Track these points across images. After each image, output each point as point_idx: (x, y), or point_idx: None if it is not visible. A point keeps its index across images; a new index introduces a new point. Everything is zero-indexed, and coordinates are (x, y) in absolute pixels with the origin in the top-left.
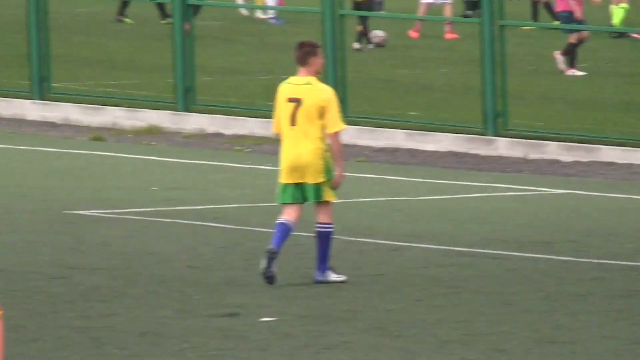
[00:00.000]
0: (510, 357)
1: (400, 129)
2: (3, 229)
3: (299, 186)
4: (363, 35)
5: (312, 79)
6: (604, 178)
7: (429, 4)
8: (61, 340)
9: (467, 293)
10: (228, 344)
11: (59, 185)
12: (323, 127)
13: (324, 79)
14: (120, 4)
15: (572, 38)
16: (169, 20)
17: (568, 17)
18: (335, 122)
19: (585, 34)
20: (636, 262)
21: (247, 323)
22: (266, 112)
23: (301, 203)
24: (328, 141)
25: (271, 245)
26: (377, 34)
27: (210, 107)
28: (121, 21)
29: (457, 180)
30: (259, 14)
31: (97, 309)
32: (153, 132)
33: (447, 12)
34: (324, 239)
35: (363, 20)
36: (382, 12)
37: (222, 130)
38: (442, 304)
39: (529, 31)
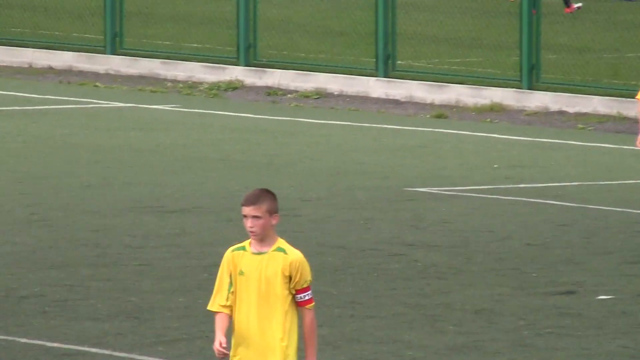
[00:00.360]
0: None
1: None
2: (343, 206)
3: None
4: None
5: None
6: None
7: None
8: (397, 317)
9: None
10: (563, 321)
11: (400, 162)
12: None
13: None
14: None
15: None
16: None
17: None
18: None
19: None
20: None
21: (584, 301)
22: (611, 91)
23: None
24: None
25: None
26: None
27: (554, 85)
28: None
29: None
30: None
31: (434, 287)
32: (496, 109)
33: None
34: None
35: None
36: None
37: (565, 108)
38: None
39: None
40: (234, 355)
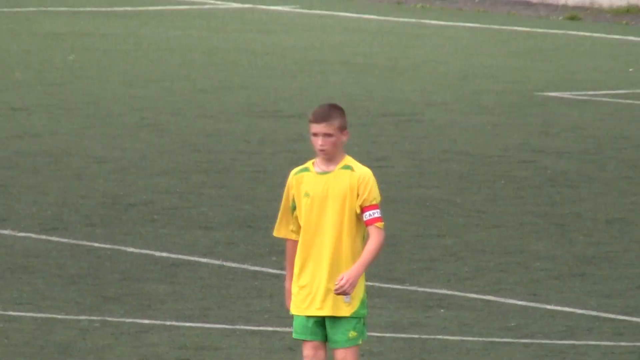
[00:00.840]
0: None
1: None
2: (470, 111)
3: None
4: None
5: None
6: None
7: None
8: (524, 227)
9: None
10: None
11: (530, 66)
12: None
13: None
14: None
15: None
16: None
17: None
18: None
19: None
20: None
21: None
22: None
23: None
24: None
25: None
26: None
27: None
28: None
29: None
30: None
31: (564, 195)
32: (632, 11)
33: None
34: None
35: None
36: None
37: None
38: None
39: None
40: (299, 281)
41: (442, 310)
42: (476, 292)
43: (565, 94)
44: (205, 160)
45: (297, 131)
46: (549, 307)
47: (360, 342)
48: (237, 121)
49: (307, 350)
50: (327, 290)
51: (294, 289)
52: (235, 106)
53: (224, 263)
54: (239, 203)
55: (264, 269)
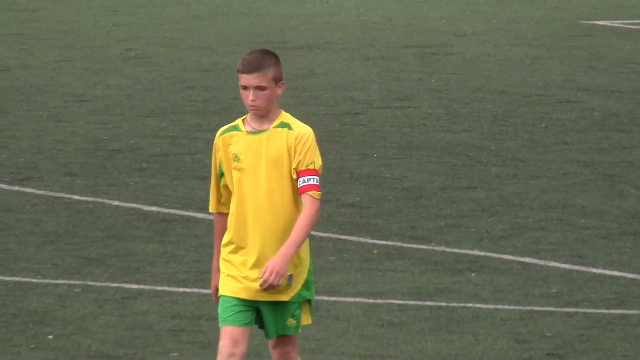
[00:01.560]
0: None
1: None
2: (505, 42)
3: None
4: None
5: None
6: None
7: None
8: (568, 178)
9: None
10: None
11: None
12: None
13: None
14: None
15: None
16: None
17: None
18: None
19: None
20: None
21: None
22: None
23: None
24: None
25: None
26: None
27: None
28: None
29: None
30: None
31: (613, 140)
32: None
33: None
34: None
35: None
36: None
37: None
38: None
39: None
40: (228, 260)
41: (473, 274)
42: (512, 254)
43: (616, 23)
44: (200, 99)
45: (307, 65)
46: (595, 270)
47: (299, 331)
48: (237, 53)
49: (226, 339)
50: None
51: (223, 267)
52: (234, 36)
53: None
54: None
55: None
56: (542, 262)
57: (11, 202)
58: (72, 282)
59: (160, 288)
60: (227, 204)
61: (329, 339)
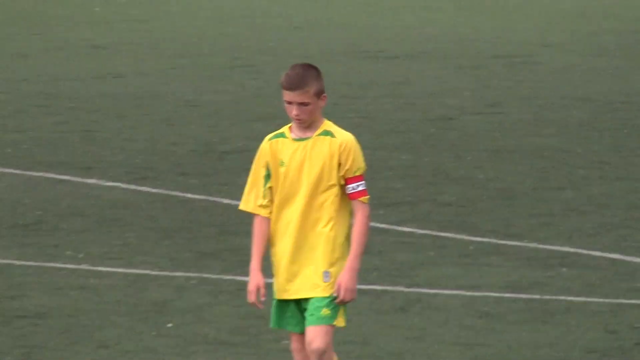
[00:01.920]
0: None
1: None
2: (589, 53)
3: None
4: None
5: None
6: None
7: None
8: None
9: None
10: None
11: None
12: None
13: None
14: None
15: None
16: None
17: None
18: None
19: None
20: None
21: None
22: None
23: None
24: None
25: None
26: None
27: None
28: None
29: None
30: None
31: None
32: None
33: None
34: None
35: None
36: None
37: None
38: None
39: None
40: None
41: (564, 269)
42: (600, 250)
43: None
44: None
45: (403, 73)
46: None
47: (334, 323)
48: (337, 62)
49: (294, 342)
50: (293, 273)
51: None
52: (334, 46)
53: None
54: None
55: (371, 224)
56: (629, 259)
57: (129, 200)
58: (188, 274)
59: (270, 280)
60: (267, 208)
61: (431, 328)
